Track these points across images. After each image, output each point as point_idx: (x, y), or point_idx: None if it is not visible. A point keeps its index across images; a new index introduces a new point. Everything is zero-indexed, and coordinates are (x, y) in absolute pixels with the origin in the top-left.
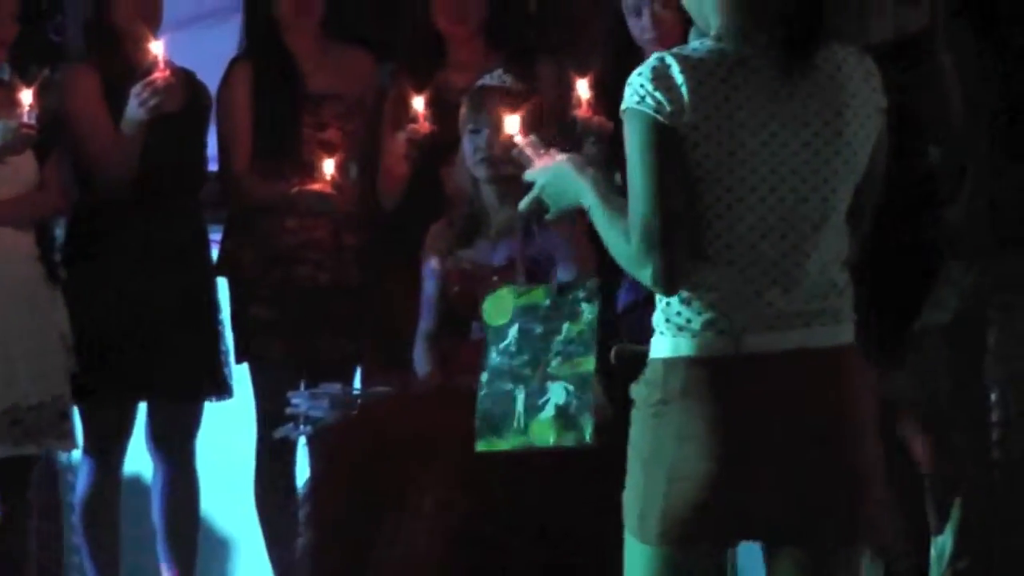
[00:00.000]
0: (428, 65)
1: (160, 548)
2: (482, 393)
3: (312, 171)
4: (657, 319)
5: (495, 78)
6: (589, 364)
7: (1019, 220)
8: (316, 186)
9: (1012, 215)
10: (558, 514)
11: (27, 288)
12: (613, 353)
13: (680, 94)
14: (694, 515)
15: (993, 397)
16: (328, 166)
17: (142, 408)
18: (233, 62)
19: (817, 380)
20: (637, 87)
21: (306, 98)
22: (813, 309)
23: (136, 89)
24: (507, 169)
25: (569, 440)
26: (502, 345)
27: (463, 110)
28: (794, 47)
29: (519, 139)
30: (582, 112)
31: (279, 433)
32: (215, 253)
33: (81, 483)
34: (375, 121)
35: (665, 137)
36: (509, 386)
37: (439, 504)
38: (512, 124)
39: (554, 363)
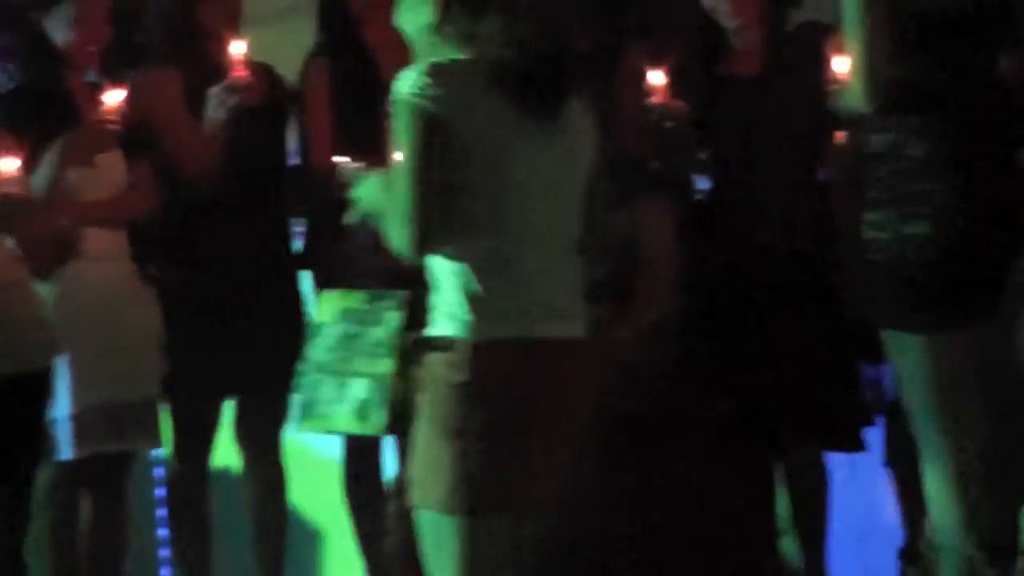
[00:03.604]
0: None
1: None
2: (300, 382)
3: None
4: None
5: None
6: (387, 366)
7: None
8: None
9: None
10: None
11: (120, 287)
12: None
13: None
14: (482, 485)
15: None
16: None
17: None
18: (311, 57)
19: (568, 371)
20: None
21: (386, 90)
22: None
23: (215, 90)
24: None
25: (367, 429)
26: (321, 341)
27: None
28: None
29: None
30: (658, 98)
31: None
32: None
33: (169, 481)
34: None
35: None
36: (321, 377)
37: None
38: None
39: (358, 361)
